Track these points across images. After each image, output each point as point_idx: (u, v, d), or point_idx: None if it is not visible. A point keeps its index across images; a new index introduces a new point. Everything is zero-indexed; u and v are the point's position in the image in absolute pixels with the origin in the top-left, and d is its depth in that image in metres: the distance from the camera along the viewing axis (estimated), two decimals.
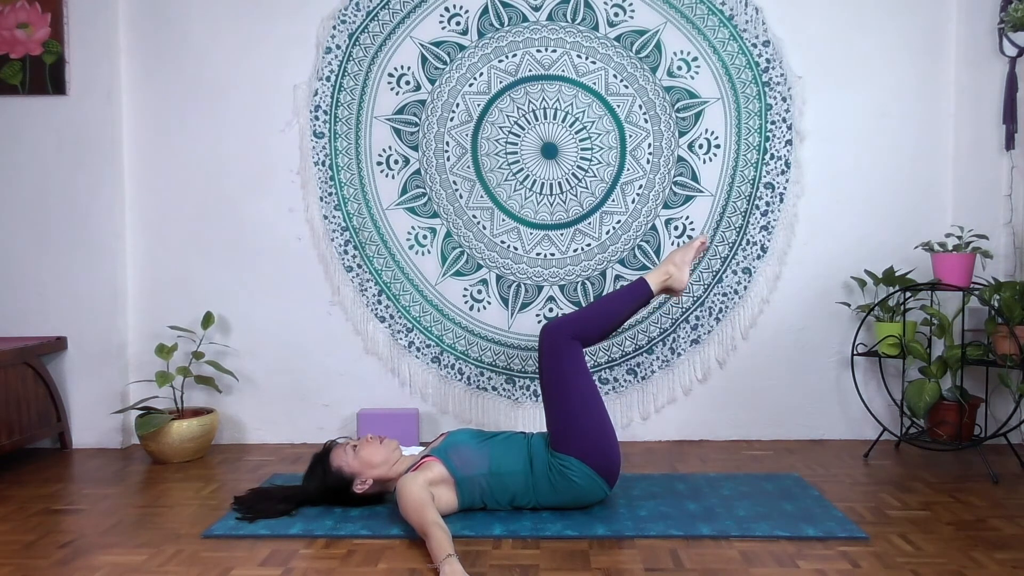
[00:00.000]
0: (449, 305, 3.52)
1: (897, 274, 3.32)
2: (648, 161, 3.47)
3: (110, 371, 3.50)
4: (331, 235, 3.51)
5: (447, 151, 3.49)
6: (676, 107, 3.46)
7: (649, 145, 3.47)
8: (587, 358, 3.49)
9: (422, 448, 3.08)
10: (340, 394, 3.55)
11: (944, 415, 3.19)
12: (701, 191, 3.48)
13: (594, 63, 3.45)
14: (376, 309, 3.53)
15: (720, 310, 3.50)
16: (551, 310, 3.49)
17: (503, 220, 3.50)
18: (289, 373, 3.56)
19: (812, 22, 3.45)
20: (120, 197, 3.51)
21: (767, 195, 3.47)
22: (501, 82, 3.47)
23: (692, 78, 3.45)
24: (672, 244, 3.48)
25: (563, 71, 3.46)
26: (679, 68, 3.45)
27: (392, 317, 3.53)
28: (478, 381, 3.54)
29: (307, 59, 3.49)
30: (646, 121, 3.46)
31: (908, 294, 3.29)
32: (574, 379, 2.60)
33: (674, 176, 3.48)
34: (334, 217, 3.51)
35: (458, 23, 3.47)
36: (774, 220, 3.48)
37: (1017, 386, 3.07)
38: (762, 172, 3.47)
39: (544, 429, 2.78)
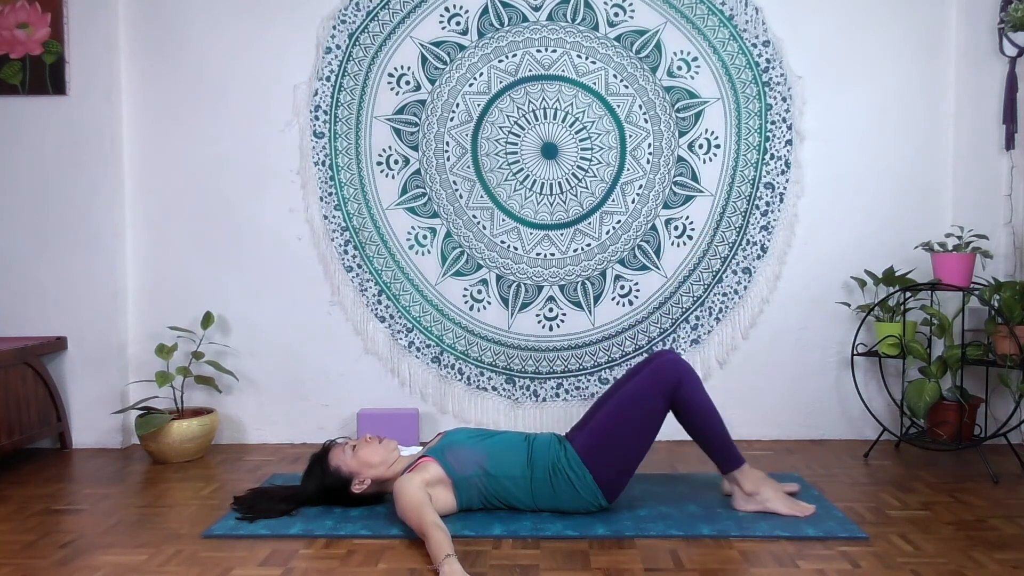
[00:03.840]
0: (449, 305, 3.52)
1: (897, 274, 3.32)
2: (648, 161, 3.47)
3: (110, 371, 3.50)
4: (331, 235, 3.51)
5: (447, 151, 3.49)
6: (676, 107, 3.46)
7: (649, 145, 3.46)
8: (589, 360, 3.50)
9: (421, 448, 3.08)
10: (340, 394, 3.55)
11: (944, 415, 3.19)
12: (701, 191, 3.48)
13: (594, 63, 3.45)
14: (376, 309, 3.53)
15: (720, 310, 3.50)
16: (551, 310, 3.48)
17: (503, 220, 3.50)
18: (289, 373, 3.56)
19: (812, 22, 3.45)
20: (120, 197, 3.51)
21: (767, 195, 3.47)
22: (501, 82, 3.47)
23: (692, 78, 3.45)
24: (672, 244, 3.48)
25: (563, 71, 3.46)
26: (679, 68, 3.45)
27: (392, 317, 3.53)
28: (478, 381, 3.53)
29: (307, 59, 3.49)
30: (646, 121, 3.46)
31: (908, 294, 3.29)
32: (652, 413, 2.55)
33: (674, 176, 3.47)
34: (334, 217, 3.51)
35: (458, 23, 3.47)
36: (774, 220, 3.48)
37: (1017, 386, 3.07)
38: (762, 172, 3.47)
39: (547, 431, 2.78)
